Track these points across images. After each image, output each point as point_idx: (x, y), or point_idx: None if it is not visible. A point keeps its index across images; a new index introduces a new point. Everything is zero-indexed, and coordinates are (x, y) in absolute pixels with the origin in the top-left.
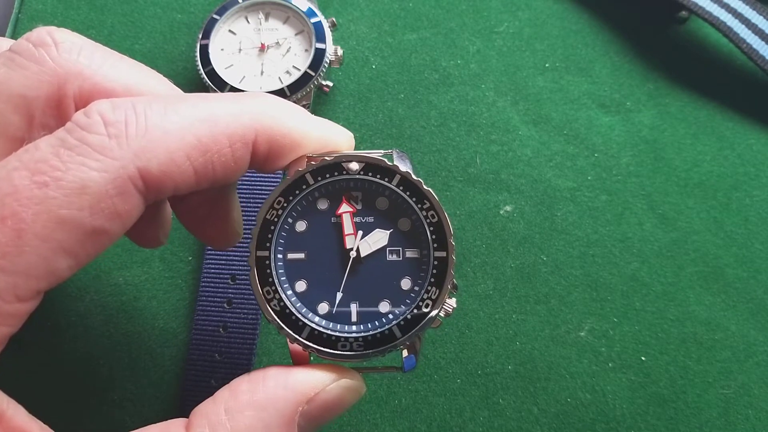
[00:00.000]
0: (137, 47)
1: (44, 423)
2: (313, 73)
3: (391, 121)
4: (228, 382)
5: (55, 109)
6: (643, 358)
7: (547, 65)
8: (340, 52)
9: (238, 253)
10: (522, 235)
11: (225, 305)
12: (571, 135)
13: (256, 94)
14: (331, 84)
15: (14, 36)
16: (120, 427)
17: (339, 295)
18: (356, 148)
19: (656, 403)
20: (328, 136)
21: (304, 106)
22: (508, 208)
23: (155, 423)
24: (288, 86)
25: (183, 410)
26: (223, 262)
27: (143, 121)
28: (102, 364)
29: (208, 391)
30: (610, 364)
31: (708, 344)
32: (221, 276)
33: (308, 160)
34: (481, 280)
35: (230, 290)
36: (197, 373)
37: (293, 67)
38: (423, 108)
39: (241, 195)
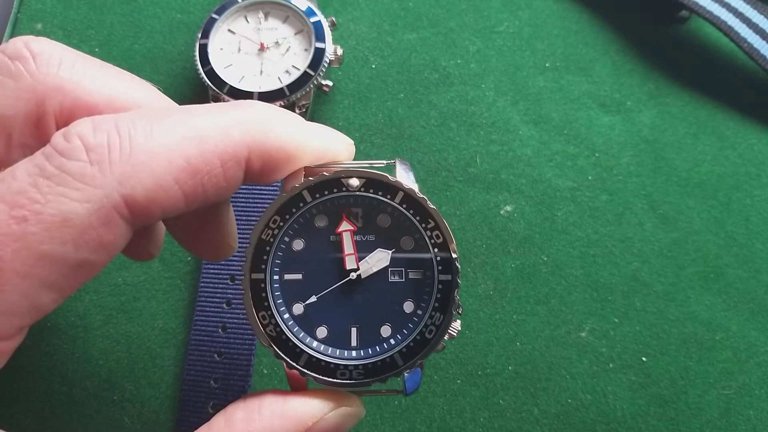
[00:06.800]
0: (137, 47)
1: (44, 424)
2: (312, 73)
3: (391, 121)
4: (227, 383)
5: (35, 128)
6: (643, 359)
7: (547, 65)
8: (339, 51)
9: (238, 254)
10: (522, 235)
11: (224, 305)
12: (571, 135)
13: (246, 103)
14: (330, 84)
15: (13, 36)
16: (119, 427)
17: (312, 299)
18: (356, 149)
19: (657, 404)
20: (326, 146)
21: (303, 105)
22: (508, 208)
23: (154, 423)
24: (287, 86)
25: (182, 411)
26: (222, 262)
27: (127, 144)
28: (101, 364)
29: (208, 392)
30: (610, 365)
31: (709, 344)
32: (220, 276)
33: (306, 172)
34: (481, 280)
35: (229, 290)
36: (196, 374)
37: (293, 66)
38: (423, 108)
39: (237, 206)
